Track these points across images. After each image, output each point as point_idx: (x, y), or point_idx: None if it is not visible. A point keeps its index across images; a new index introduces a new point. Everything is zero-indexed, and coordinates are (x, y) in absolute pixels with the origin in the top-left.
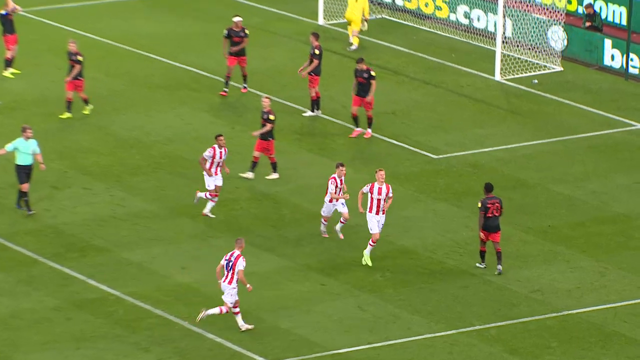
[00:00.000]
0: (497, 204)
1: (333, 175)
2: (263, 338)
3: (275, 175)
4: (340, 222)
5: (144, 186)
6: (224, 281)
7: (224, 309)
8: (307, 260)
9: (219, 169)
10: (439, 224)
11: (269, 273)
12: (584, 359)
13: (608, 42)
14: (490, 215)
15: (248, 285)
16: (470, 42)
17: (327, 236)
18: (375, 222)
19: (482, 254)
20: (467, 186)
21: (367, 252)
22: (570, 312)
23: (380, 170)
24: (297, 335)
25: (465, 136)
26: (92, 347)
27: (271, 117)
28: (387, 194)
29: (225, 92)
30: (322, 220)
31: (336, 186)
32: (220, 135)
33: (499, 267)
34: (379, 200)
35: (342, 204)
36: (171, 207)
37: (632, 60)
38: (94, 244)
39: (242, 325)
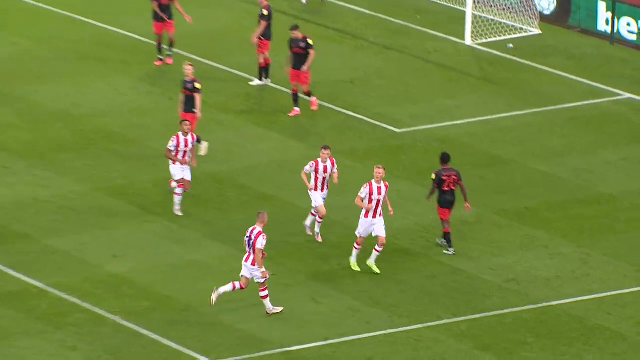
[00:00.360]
0: (453, 177)
1: (316, 159)
2: (204, 334)
3: (205, 145)
4: (311, 214)
5: (71, 165)
6: (245, 261)
7: (237, 285)
8: None
9: (186, 157)
10: (402, 206)
11: (212, 261)
12: (564, 356)
13: (593, 2)
14: (446, 189)
15: (262, 270)
16: (438, 1)
17: (310, 234)
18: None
19: (447, 236)
20: (434, 164)
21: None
22: (549, 303)
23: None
24: (242, 332)
25: (432, 107)
26: (13, 345)
27: (197, 85)
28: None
29: (160, 60)
30: (312, 211)
31: (316, 172)
32: (185, 121)
33: (442, 243)
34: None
35: (324, 198)
36: (103, 189)
37: (619, 22)
38: (13, 229)
39: (270, 308)
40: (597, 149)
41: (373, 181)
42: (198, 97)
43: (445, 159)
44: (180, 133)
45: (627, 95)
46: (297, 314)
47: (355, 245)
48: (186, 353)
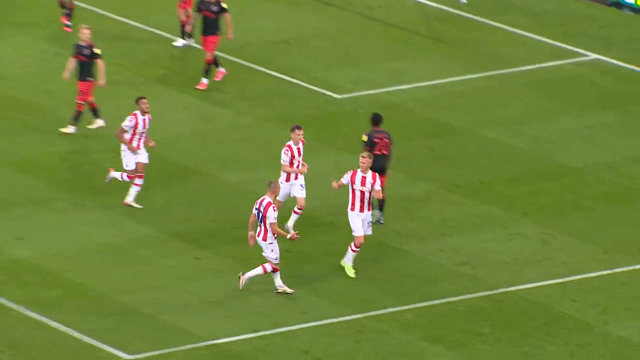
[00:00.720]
0: (385, 140)
1: (288, 143)
2: (121, 326)
3: (100, 123)
4: (294, 212)
5: None
6: (257, 236)
7: (269, 268)
8: (177, 228)
9: (142, 141)
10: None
11: (128, 245)
12: (523, 348)
13: None
14: (377, 152)
15: (290, 235)
16: None
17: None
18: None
19: (381, 204)
20: None
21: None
22: (507, 289)
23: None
24: (164, 323)
25: (375, 71)
26: None
27: (97, 50)
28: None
29: (67, 27)
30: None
31: (292, 157)
32: (143, 98)
33: (380, 216)
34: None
35: (301, 185)
36: (3, 163)
37: None
38: None
39: (280, 286)
40: (559, 115)
41: (358, 170)
42: (101, 64)
43: (377, 120)
44: (137, 112)
45: (593, 55)
46: (225, 303)
47: (353, 247)
48: (99, 347)
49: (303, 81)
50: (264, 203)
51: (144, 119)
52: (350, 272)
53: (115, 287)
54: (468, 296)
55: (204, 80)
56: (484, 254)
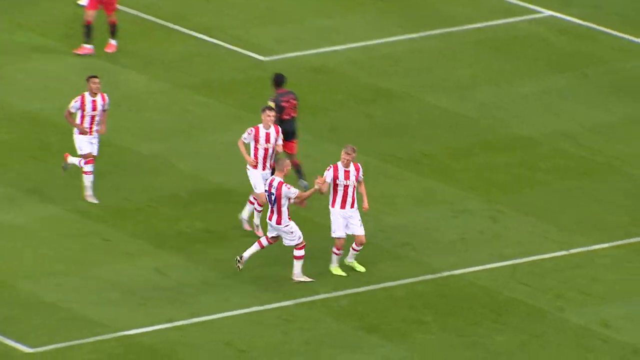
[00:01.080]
0: (292, 101)
1: (257, 126)
2: (20, 316)
3: None
4: (250, 202)
5: None
6: (269, 219)
7: (265, 242)
8: (84, 206)
9: (94, 126)
10: None
11: (30, 225)
12: (470, 337)
13: None
14: (286, 117)
15: (316, 185)
16: None
17: (249, 229)
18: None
19: (297, 169)
20: (308, 100)
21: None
22: (451, 272)
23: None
24: (68, 312)
25: (305, 30)
26: None
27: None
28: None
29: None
30: (257, 206)
31: (256, 140)
32: (94, 77)
33: (303, 181)
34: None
35: (265, 179)
36: None
37: None
38: None
39: (298, 274)
40: (511, 79)
41: (339, 163)
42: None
43: (279, 80)
44: (86, 93)
45: (548, 12)
46: (137, 289)
47: (335, 250)
48: None
49: (224, 41)
50: (275, 184)
51: (94, 100)
52: (339, 272)
53: (14, 272)
54: (409, 280)
55: (112, 42)
56: (426, 233)
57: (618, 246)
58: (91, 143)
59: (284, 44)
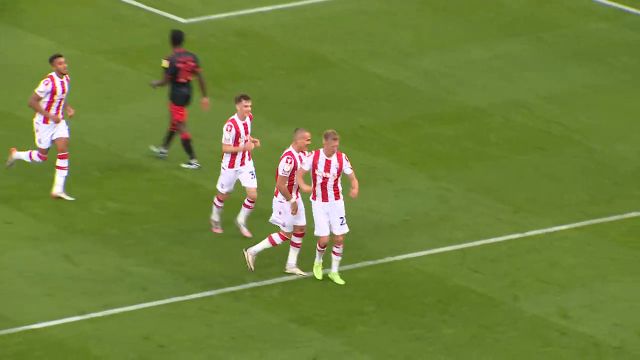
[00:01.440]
0: (190, 63)
1: (232, 118)
2: None
3: None
4: (245, 205)
5: None
6: (276, 195)
7: (278, 239)
8: None
9: (61, 110)
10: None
11: None
12: (415, 330)
13: None
14: (182, 80)
15: (292, 200)
16: None
17: (220, 231)
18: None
19: (188, 145)
20: (231, 65)
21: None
22: (394, 258)
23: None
24: None
25: None
26: None
27: None
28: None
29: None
30: (216, 201)
31: (237, 135)
32: (59, 57)
33: (190, 158)
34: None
35: (251, 173)
36: None
37: None
38: None
39: (292, 265)
40: (459, 44)
41: (321, 150)
42: None
43: (177, 38)
44: (54, 74)
45: None
46: (44, 278)
47: (318, 246)
48: None
49: (140, 2)
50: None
51: (62, 82)
52: (337, 279)
53: None
54: (347, 267)
55: None
56: (365, 215)
57: (578, 228)
58: (55, 131)
59: (207, 4)
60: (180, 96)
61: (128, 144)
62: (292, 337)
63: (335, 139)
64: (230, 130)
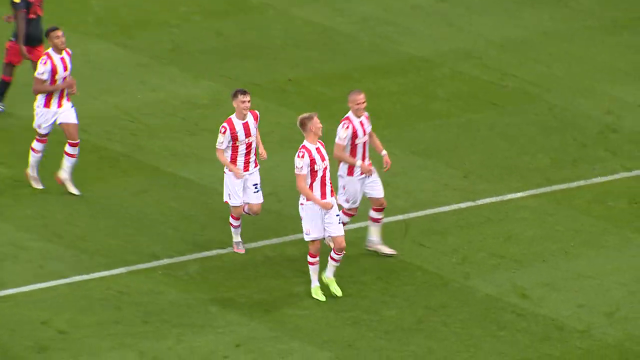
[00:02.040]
0: None
1: (228, 119)
2: None
3: None
4: (244, 212)
5: None
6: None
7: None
8: None
9: (65, 91)
10: (97, 79)
11: None
12: (351, 312)
13: None
14: (33, 16)
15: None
16: None
17: (243, 251)
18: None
19: (3, 88)
20: (141, 10)
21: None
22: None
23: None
24: None
25: None
26: None
27: None
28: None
29: None
30: (231, 219)
31: (235, 138)
32: (56, 29)
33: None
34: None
35: (255, 186)
36: None
37: None
38: None
39: (374, 242)
40: None
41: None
42: None
43: None
44: (50, 50)
45: None
46: None
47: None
48: None
49: None
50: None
51: (62, 58)
52: (334, 288)
53: None
54: (275, 241)
55: None
56: (293, 182)
57: (537, 195)
58: (57, 116)
59: None
60: (30, 36)
61: (18, 101)
62: (212, 320)
63: (318, 121)
64: (224, 133)
